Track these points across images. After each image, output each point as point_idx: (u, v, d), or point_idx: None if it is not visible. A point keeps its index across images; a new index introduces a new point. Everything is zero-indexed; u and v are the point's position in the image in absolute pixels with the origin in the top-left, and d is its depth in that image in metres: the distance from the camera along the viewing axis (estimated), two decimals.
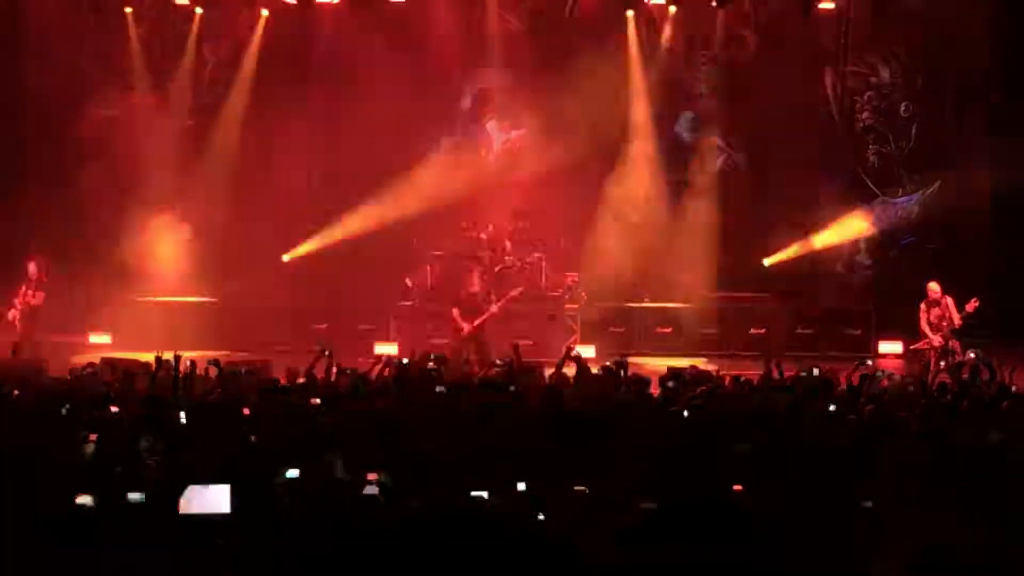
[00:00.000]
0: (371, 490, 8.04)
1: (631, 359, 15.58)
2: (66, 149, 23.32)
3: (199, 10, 23.07)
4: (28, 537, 7.38)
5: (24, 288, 19.47)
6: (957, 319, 17.34)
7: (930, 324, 17.61)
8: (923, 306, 17.75)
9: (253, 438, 10.41)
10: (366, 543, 6.56)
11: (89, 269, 22.07)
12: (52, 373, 15.02)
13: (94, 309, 22.08)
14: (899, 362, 19.56)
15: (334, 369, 14.25)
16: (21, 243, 21.94)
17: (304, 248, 22.70)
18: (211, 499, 7.53)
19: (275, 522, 7.48)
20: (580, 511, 7.85)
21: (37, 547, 7.13)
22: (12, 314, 19.37)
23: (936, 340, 17.43)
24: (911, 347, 18.40)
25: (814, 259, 22.91)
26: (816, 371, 14.17)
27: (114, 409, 11.53)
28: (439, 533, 6.73)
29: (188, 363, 13.41)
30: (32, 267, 19.56)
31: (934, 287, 17.75)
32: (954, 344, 17.32)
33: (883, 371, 14.52)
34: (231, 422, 11.11)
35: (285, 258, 22.75)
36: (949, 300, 17.58)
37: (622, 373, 14.05)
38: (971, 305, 17.18)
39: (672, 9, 22.38)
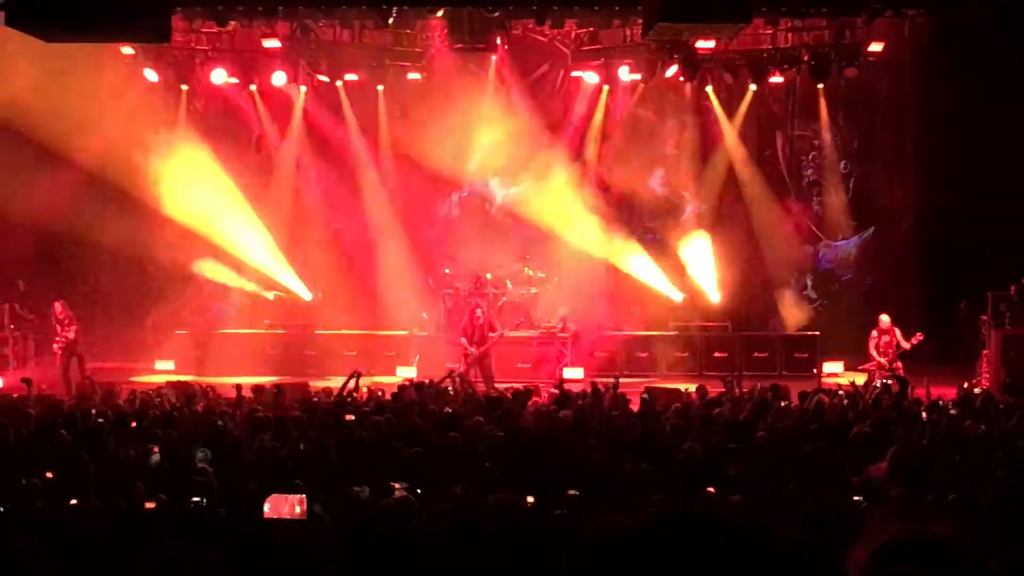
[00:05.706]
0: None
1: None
2: (133, 205, 22.36)
3: (254, 87, 22.22)
4: (104, 533, 7.33)
5: (56, 326, 19.25)
6: (906, 344, 17.78)
7: (877, 349, 18.04)
8: (874, 333, 18.20)
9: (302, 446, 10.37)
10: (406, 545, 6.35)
11: (158, 306, 22.17)
12: (123, 396, 14.95)
13: (160, 339, 22.01)
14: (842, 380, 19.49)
15: (363, 389, 14.33)
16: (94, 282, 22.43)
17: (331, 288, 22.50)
18: (289, 506, 7.38)
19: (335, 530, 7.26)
20: (572, 514, 7.68)
21: (111, 542, 7.07)
22: (56, 348, 19.18)
23: (883, 362, 17.83)
24: (860, 367, 18.50)
25: (768, 293, 22.89)
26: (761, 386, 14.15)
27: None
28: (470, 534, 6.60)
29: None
30: (57, 307, 19.32)
31: (885, 319, 18.20)
32: (897, 365, 17.85)
33: (835, 388, 14.51)
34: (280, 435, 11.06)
35: (308, 297, 22.62)
36: (897, 330, 18.02)
37: (607, 392, 14.00)
38: (916, 338, 17.74)
39: (640, 87, 22.43)
